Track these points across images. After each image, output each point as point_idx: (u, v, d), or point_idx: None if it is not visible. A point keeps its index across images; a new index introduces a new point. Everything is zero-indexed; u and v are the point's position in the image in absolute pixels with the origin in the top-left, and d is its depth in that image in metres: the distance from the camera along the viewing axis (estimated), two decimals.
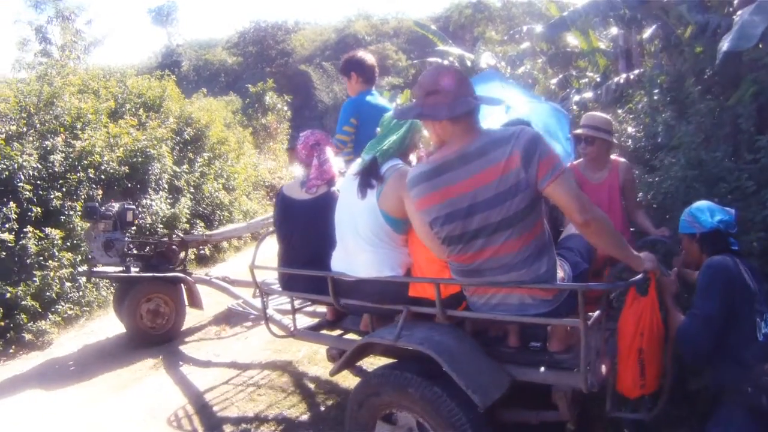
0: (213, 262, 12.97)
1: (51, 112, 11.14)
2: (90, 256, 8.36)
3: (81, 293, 9.85)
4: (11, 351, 8.29)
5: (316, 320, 5.29)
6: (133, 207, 8.72)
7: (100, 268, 8.30)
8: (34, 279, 8.89)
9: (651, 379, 3.36)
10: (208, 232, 10.29)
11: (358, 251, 3.93)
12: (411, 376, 3.54)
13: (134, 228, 8.94)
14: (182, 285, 8.44)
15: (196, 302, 8.46)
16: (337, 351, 4.76)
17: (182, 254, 8.93)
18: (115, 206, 8.32)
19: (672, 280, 3.66)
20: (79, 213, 10.12)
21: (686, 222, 3.68)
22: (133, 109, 13.72)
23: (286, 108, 23.30)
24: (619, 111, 7.89)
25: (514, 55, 23.51)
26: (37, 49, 23.85)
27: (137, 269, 8.30)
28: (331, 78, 37.66)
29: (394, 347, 3.71)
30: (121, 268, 8.24)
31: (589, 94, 9.62)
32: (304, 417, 5.64)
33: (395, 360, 4.15)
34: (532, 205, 3.11)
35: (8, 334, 8.40)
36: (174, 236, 9.11)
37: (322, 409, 5.82)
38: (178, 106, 15.14)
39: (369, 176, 3.87)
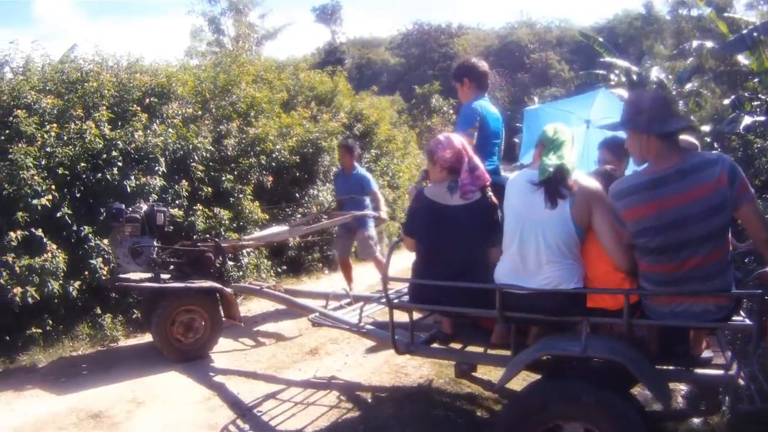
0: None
1: (227, 98, 11.46)
2: (115, 264, 7.57)
3: (241, 273, 10.10)
4: None
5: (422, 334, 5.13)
6: (165, 209, 7.81)
7: (126, 276, 7.32)
8: None
9: None
10: (245, 237, 9.18)
11: (542, 262, 3.94)
12: (582, 385, 3.70)
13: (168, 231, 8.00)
14: (218, 295, 7.53)
15: (233, 314, 7.57)
16: (468, 366, 4.85)
17: (218, 261, 7.99)
18: (143, 207, 7.51)
19: None
20: (249, 196, 10.43)
21: None
22: (305, 102, 14.00)
23: (451, 111, 23.25)
24: None
25: (681, 71, 22.71)
26: (210, 38, 24.88)
27: (168, 277, 7.43)
28: (494, 85, 37.47)
29: (542, 360, 3.99)
30: (148, 275, 7.33)
31: (761, 118, 9.14)
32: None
33: (547, 373, 4.19)
34: (728, 221, 3.52)
35: None
36: (208, 240, 8.13)
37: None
38: (349, 102, 15.32)
39: (558, 187, 3.90)
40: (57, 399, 6.23)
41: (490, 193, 4.48)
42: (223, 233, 9.52)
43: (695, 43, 21.53)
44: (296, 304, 7.41)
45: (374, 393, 6.26)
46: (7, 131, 8.31)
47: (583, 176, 4.03)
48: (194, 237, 8.70)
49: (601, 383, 3.67)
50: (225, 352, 7.66)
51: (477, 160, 4.59)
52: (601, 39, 25.07)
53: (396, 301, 5.13)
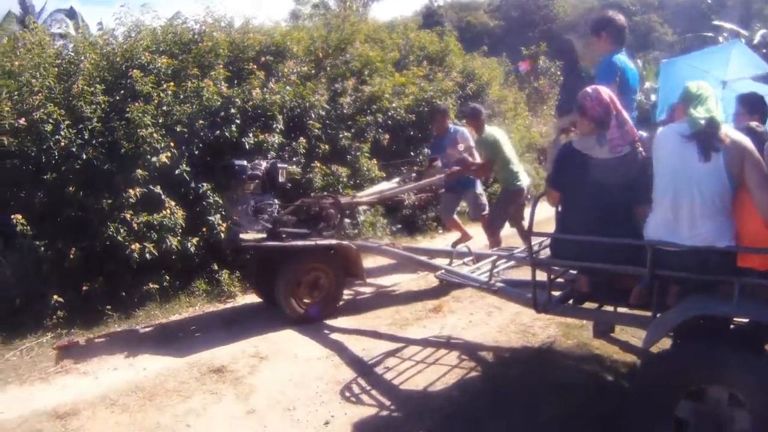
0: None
1: (341, 57, 11.10)
2: (234, 223, 7.03)
3: (357, 231, 9.73)
4: None
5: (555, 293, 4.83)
6: (285, 165, 7.27)
7: (248, 236, 6.76)
8: None
9: None
10: (359, 193, 8.41)
11: (696, 217, 3.75)
12: (729, 348, 3.56)
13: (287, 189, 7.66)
14: (344, 253, 6.95)
15: (358, 272, 7.06)
16: (606, 326, 4.84)
17: (339, 217, 7.39)
18: (263, 164, 6.89)
19: None
20: (366, 154, 10.00)
21: None
22: (416, 61, 13.45)
23: (559, 72, 22.40)
24: None
25: None
26: (315, 1, 24.51)
27: (285, 236, 6.76)
28: (596, 48, 35.93)
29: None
30: (263, 236, 6.73)
31: None
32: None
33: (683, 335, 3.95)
34: None
35: None
36: (328, 197, 7.47)
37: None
38: (461, 62, 14.69)
39: (711, 139, 3.73)
40: (176, 354, 5.97)
41: (641, 148, 4.24)
42: (340, 190, 9.10)
43: None
44: (420, 262, 7.06)
45: (501, 353, 5.92)
46: (122, 92, 8.09)
47: (732, 130, 3.90)
48: (311, 194, 8.27)
49: (743, 346, 3.57)
50: (346, 309, 7.25)
51: (625, 114, 4.36)
52: (709, 1, 23.53)
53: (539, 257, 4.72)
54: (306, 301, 6.79)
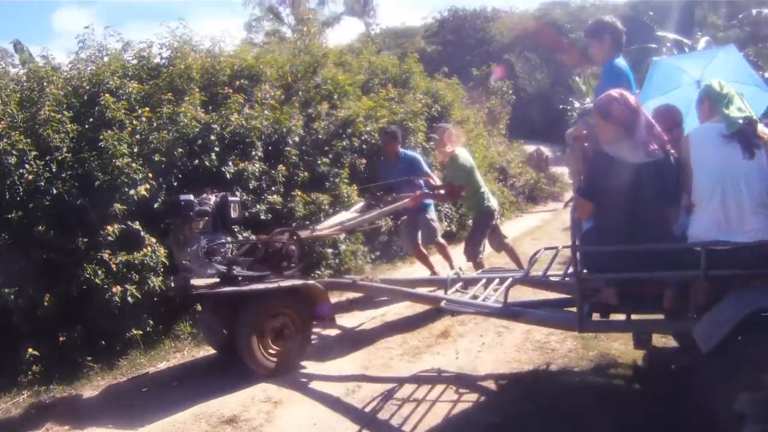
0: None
1: (312, 81, 10.64)
2: (182, 268, 5.91)
3: (339, 261, 9.18)
4: None
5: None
6: (237, 198, 6.54)
7: (200, 281, 5.73)
8: None
9: None
10: (317, 226, 7.45)
11: (746, 213, 3.83)
12: None
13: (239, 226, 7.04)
14: (310, 293, 6.06)
15: (326, 313, 6.16)
16: (647, 336, 4.67)
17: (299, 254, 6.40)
18: (212, 198, 6.03)
19: None
20: (345, 180, 9.52)
21: None
22: (380, 84, 13.10)
23: (510, 91, 22.37)
24: None
25: (735, 41, 21.53)
26: (268, 29, 24.07)
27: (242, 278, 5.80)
28: (534, 67, 36.25)
29: None
30: (216, 280, 5.79)
31: None
32: None
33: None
34: None
35: None
36: (285, 232, 6.50)
37: None
38: (424, 83, 14.50)
39: (751, 137, 3.85)
40: (176, 407, 5.24)
41: (672, 150, 4.18)
42: (322, 219, 8.47)
43: (754, 12, 20.33)
44: (412, 296, 6.51)
45: (527, 373, 5.61)
46: (91, 119, 7.41)
47: (764, 127, 4.00)
48: (244, 236, 7.56)
49: None
50: (350, 342, 6.75)
51: (650, 117, 4.32)
52: (651, 12, 23.91)
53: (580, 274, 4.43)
54: (273, 351, 5.85)
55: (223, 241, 5.97)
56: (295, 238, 6.38)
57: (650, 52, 24.97)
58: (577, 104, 31.78)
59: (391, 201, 7.72)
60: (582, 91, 33.10)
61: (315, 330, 6.54)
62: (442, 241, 8.45)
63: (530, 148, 22.31)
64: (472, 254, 7.60)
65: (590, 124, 4.91)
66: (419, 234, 8.30)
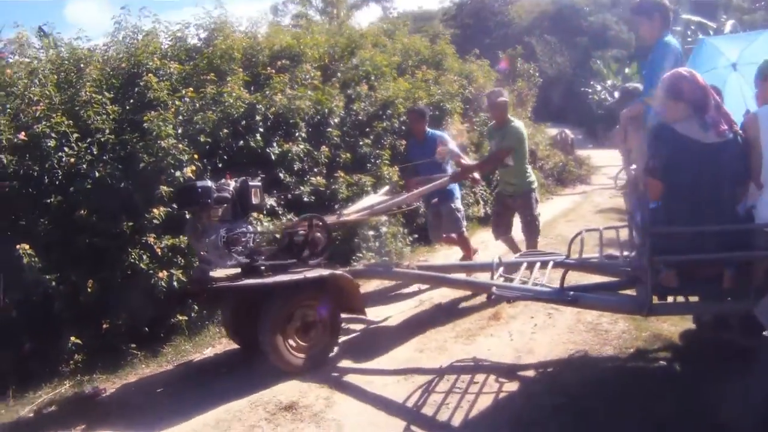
0: None
1: (350, 62, 10.46)
2: (200, 259, 5.57)
3: (379, 243, 8.70)
4: None
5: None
6: (259, 183, 5.80)
7: (219, 274, 5.27)
8: None
9: None
10: (344, 211, 6.82)
11: None
12: None
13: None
14: (338, 284, 5.56)
15: (357, 306, 5.74)
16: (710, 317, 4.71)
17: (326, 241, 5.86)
18: (231, 183, 5.53)
19: None
20: (386, 161, 9.24)
21: None
22: (414, 65, 12.81)
23: (537, 74, 21.96)
24: None
25: (761, 23, 21.10)
26: (295, 12, 23.82)
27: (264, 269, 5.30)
28: (554, 50, 35.80)
29: None
30: (237, 271, 5.31)
31: None
32: None
33: None
34: None
35: None
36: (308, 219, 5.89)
37: None
38: (457, 65, 14.19)
39: None
40: (231, 395, 4.96)
41: (740, 131, 4.09)
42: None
43: None
44: (456, 283, 6.21)
45: (582, 354, 5.43)
46: (131, 101, 7.15)
47: None
48: (288, 218, 7.20)
49: None
50: (397, 329, 6.48)
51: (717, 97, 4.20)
52: None
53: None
54: (298, 345, 5.32)
55: (244, 229, 5.45)
56: (320, 224, 5.87)
57: (675, 36, 24.50)
58: (598, 87, 31.61)
59: (417, 183, 7.24)
60: (603, 73, 32.87)
61: (359, 318, 6.28)
62: (466, 234, 7.78)
63: (554, 131, 21.84)
64: (534, 244, 7.16)
65: (647, 104, 4.83)
66: (442, 224, 7.73)
